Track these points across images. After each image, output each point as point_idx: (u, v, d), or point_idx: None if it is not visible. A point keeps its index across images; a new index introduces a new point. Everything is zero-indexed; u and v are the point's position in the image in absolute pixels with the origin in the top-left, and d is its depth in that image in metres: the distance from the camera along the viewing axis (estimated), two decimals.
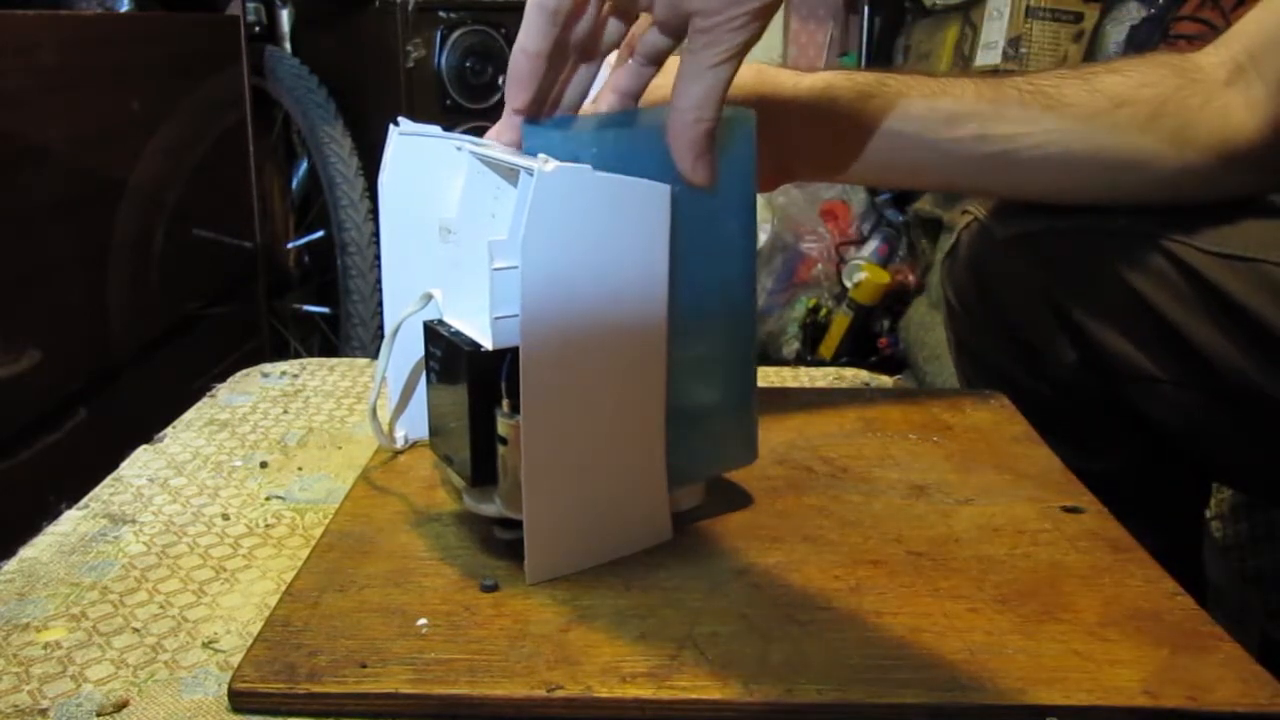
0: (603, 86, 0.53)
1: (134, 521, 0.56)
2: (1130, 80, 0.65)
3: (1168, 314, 0.67)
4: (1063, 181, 0.67)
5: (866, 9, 2.44)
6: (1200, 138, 0.65)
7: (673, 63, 0.60)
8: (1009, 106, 0.64)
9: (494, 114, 2.20)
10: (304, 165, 2.04)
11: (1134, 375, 0.70)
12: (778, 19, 2.61)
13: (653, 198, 0.46)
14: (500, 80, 1.99)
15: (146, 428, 0.68)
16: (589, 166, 0.44)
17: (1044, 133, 0.64)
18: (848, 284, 2.29)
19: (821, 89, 0.63)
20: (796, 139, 0.64)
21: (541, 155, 0.44)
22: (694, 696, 0.40)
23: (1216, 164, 0.65)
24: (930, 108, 0.64)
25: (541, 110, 0.52)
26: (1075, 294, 0.71)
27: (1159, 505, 0.75)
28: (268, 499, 0.59)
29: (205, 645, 0.45)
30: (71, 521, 0.56)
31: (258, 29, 1.98)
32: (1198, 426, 0.70)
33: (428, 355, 0.52)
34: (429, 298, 0.54)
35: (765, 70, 0.64)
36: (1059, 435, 0.66)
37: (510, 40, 1.96)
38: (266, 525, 0.56)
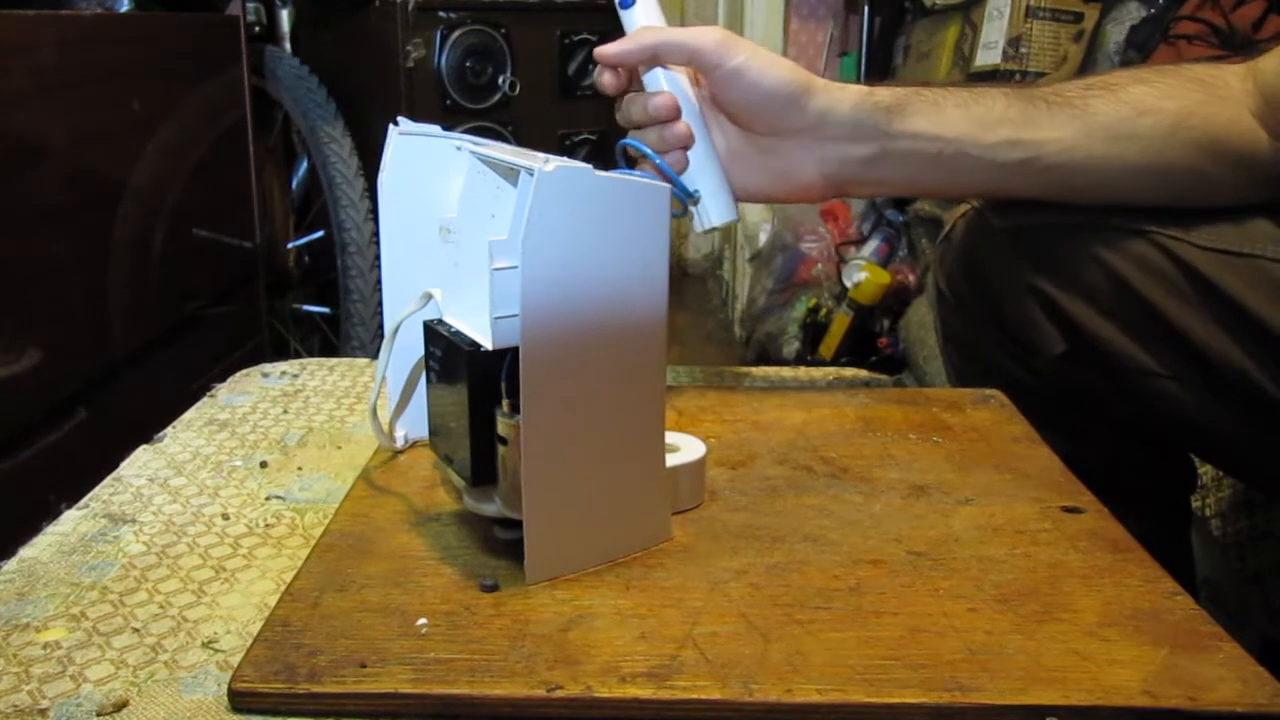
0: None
1: (134, 521, 0.56)
2: (1155, 91, 0.66)
3: (1163, 309, 0.67)
4: (1088, 187, 0.68)
5: (866, 9, 2.44)
6: (1227, 153, 0.66)
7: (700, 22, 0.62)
8: (1038, 113, 0.66)
9: (494, 114, 2.20)
10: (304, 165, 2.04)
11: (1129, 369, 0.70)
12: (778, 18, 2.61)
13: (653, 198, 0.46)
14: (500, 80, 1.99)
15: (146, 428, 0.68)
16: (589, 166, 0.44)
17: (1070, 138, 0.65)
18: (848, 284, 2.28)
19: (865, 95, 0.65)
20: (843, 149, 0.65)
21: (542, 155, 0.44)
22: (694, 696, 0.40)
23: (1241, 180, 0.66)
24: (965, 115, 0.65)
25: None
26: (1069, 287, 0.72)
27: (1141, 490, 0.75)
28: (268, 499, 0.59)
29: (205, 645, 0.45)
30: (71, 521, 0.56)
31: (258, 29, 1.98)
32: (1194, 421, 0.70)
33: (428, 355, 0.52)
34: (429, 298, 0.54)
35: (810, 78, 0.64)
36: (1041, 423, 0.66)
37: (510, 40, 1.97)
38: (266, 525, 0.56)
